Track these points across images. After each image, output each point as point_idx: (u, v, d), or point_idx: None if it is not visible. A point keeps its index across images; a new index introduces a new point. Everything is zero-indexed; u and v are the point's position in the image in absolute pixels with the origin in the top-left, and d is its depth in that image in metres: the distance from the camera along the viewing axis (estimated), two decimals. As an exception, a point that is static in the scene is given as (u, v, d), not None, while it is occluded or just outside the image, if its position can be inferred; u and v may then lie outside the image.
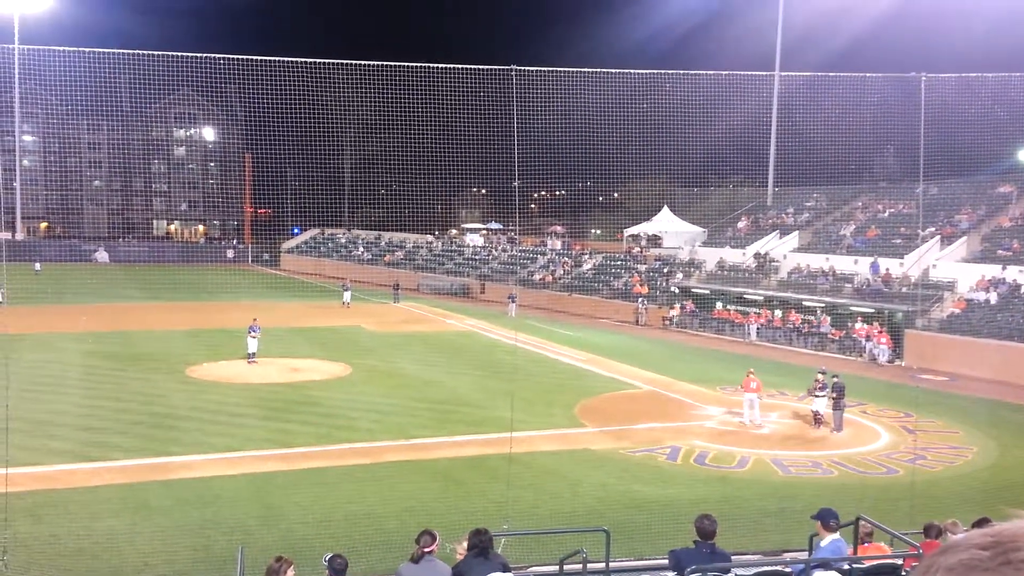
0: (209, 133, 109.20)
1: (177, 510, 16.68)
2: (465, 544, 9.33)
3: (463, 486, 18.94)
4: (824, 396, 24.45)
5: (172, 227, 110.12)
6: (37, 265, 69.85)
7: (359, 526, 15.82)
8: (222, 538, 15.08)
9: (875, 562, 9.65)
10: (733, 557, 10.37)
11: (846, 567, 9.26)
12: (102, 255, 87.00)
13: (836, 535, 9.63)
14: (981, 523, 10.59)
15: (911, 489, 17.14)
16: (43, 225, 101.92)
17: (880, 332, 38.35)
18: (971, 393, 30.93)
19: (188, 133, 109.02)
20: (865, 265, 43.58)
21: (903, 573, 9.24)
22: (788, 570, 9.20)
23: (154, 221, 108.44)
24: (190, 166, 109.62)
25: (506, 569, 9.52)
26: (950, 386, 32.27)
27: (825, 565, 9.13)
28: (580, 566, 10.37)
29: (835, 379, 24.50)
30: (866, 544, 10.64)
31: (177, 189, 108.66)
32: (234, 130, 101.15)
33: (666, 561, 9.89)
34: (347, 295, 53.23)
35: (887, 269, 42.19)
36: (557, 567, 10.88)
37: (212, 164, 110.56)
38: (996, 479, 20.29)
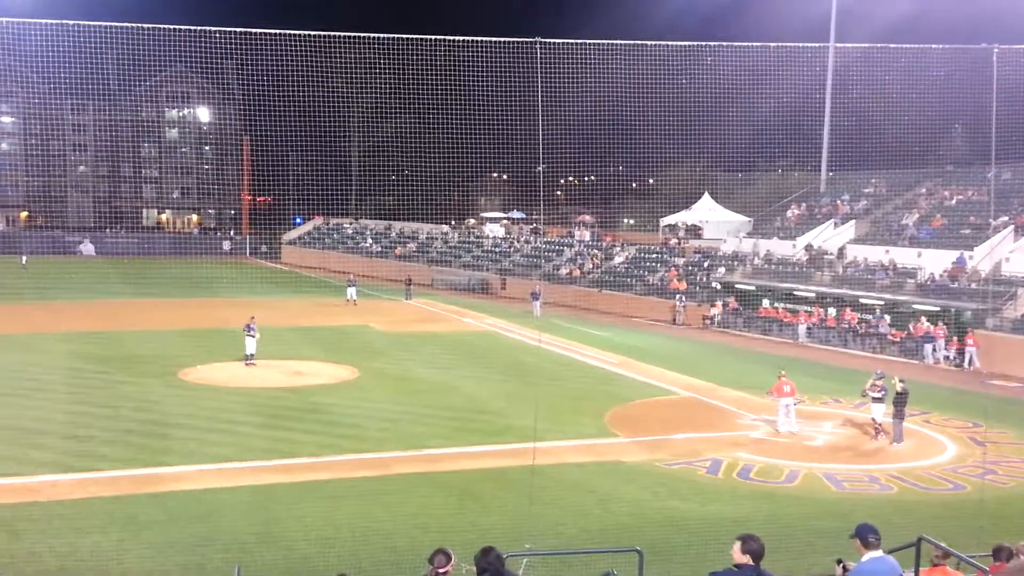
0: (204, 114, 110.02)
1: (169, 526, 16.83)
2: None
3: (481, 501, 18.98)
4: (883, 402, 24.30)
5: (163, 217, 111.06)
6: (23, 258, 70.82)
7: (367, 544, 15.89)
8: (217, 556, 15.20)
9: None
10: (780, 581, 10.33)
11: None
12: (88, 247, 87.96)
13: (878, 552, 9.56)
14: (999, 552, 10.45)
15: (980, 507, 16.98)
16: (23, 215, 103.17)
17: (967, 334, 37.41)
18: (1048, 401, 30.61)
19: (181, 114, 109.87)
20: (930, 258, 43.19)
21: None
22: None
23: (144, 210, 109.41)
24: (183, 150, 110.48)
25: (527, 592, 9.54)
26: (1023, 393, 31.96)
27: None
28: (610, 589, 10.37)
29: (901, 384, 24.32)
30: (937, 566, 10.54)
31: (169, 175, 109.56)
32: (231, 110, 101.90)
33: (705, 585, 9.87)
34: (352, 291, 53.48)
35: (953, 262, 41.80)
36: (585, 590, 10.89)
37: (207, 148, 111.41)
38: (1076, 497, 20.05)
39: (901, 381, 24.59)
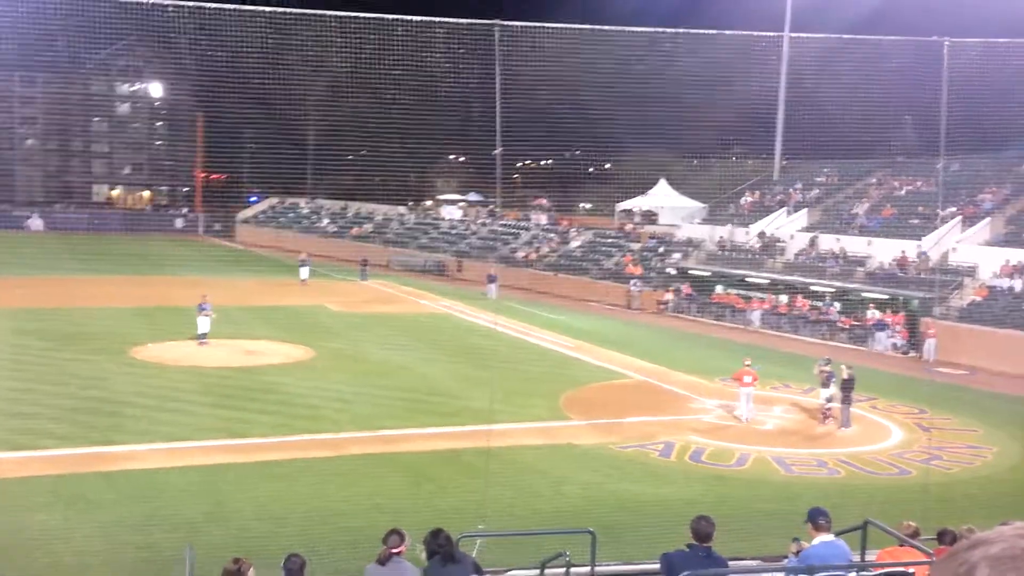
0: (156, 88, 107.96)
1: (118, 505, 16.63)
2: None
3: (436, 482, 19.00)
4: (830, 388, 24.70)
5: (114, 192, 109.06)
6: None
7: (321, 524, 15.84)
8: (168, 536, 15.05)
9: (884, 570, 9.76)
10: (730, 563, 10.47)
11: (852, 574, 9.35)
12: (36, 222, 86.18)
13: (829, 536, 9.73)
14: (943, 536, 10.69)
15: (924, 491, 17.33)
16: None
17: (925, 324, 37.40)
18: (992, 388, 31.28)
19: (133, 88, 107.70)
20: (880, 247, 43.82)
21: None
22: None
23: (94, 185, 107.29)
24: (135, 125, 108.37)
25: (479, 572, 9.56)
26: (969, 380, 32.61)
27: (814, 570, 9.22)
28: (563, 570, 10.42)
29: (848, 370, 24.69)
30: (903, 545, 10.69)
31: (120, 150, 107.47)
32: (185, 86, 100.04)
33: (656, 565, 9.96)
34: (304, 271, 52.88)
35: (903, 252, 42.50)
36: (538, 571, 10.94)
37: (159, 123, 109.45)
38: (1018, 482, 20.56)
39: (848, 367, 24.99)
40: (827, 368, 25.08)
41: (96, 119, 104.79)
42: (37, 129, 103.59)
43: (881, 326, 38.89)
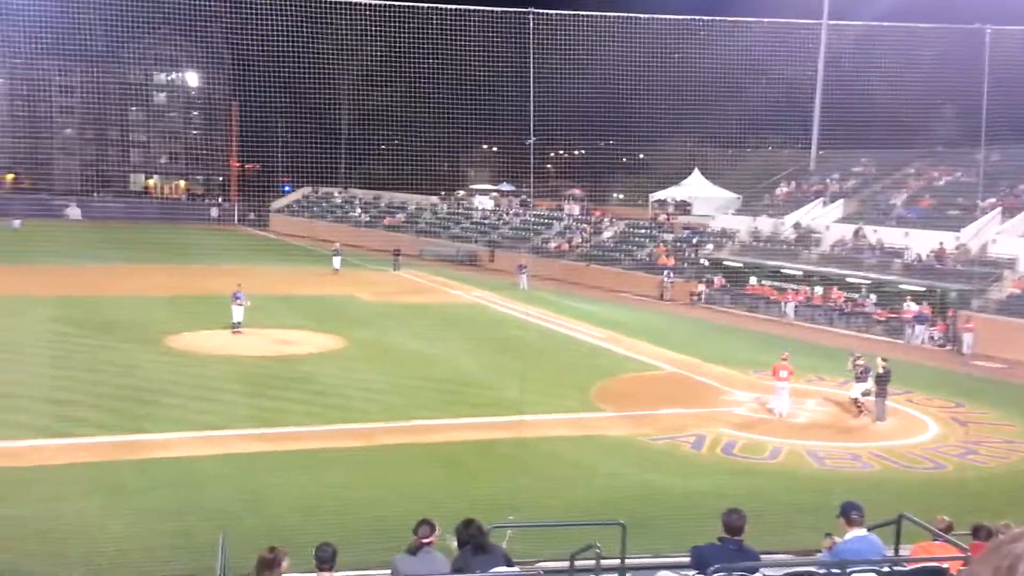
0: (192, 78, 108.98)
1: (153, 492, 16.85)
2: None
3: (467, 472, 19.07)
4: (865, 381, 24.47)
5: (151, 182, 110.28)
6: (16, 222, 70.27)
7: (352, 514, 15.95)
8: (202, 524, 15.22)
9: (917, 564, 9.67)
10: (762, 556, 10.42)
11: (886, 569, 9.28)
12: (74, 211, 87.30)
13: (862, 530, 9.67)
14: (978, 531, 10.58)
15: (960, 486, 17.16)
16: (9, 177, 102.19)
17: (963, 317, 36.94)
18: (1030, 383, 30.87)
19: (169, 78, 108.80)
20: (917, 238, 43.28)
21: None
22: (821, 571, 9.24)
23: (131, 175, 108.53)
24: (171, 114, 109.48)
25: (509, 563, 9.59)
26: (1007, 374, 32.20)
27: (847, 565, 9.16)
28: (593, 562, 10.43)
29: (884, 363, 24.45)
30: (937, 540, 10.61)
31: (156, 140, 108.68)
32: (220, 75, 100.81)
33: (687, 558, 9.94)
34: (337, 260, 53.38)
35: (940, 243, 41.95)
36: (568, 563, 10.95)
37: (195, 112, 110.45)
38: (1055, 478, 20.27)
39: (884, 360, 24.73)
40: (862, 362, 24.84)
41: (133, 108, 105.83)
42: (75, 119, 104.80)
43: (921, 319, 38.40)
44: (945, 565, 9.66)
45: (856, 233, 45.85)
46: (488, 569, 9.11)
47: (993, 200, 44.26)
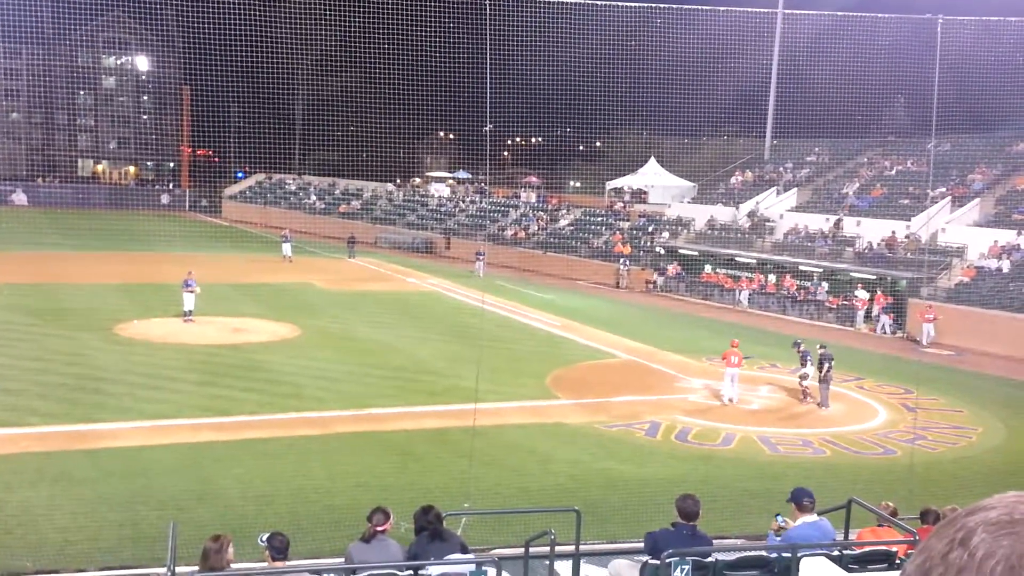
0: (143, 62, 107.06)
1: (102, 482, 16.60)
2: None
3: (421, 461, 19.03)
4: (807, 367, 24.83)
5: (99, 167, 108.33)
6: None
7: (305, 503, 15.87)
8: (152, 514, 15.06)
9: (867, 548, 9.84)
10: (715, 541, 10.54)
11: (835, 553, 9.43)
12: (20, 197, 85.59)
13: (812, 516, 9.82)
14: (926, 515, 10.83)
15: (909, 471, 17.47)
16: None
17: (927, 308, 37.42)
18: (978, 369, 31.49)
19: (119, 61, 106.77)
20: (869, 227, 43.90)
21: (899, 560, 9.43)
22: (772, 555, 9.36)
23: (79, 160, 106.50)
24: (121, 99, 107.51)
25: (465, 550, 9.60)
26: (955, 361, 32.81)
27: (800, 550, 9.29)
28: (547, 548, 10.47)
29: (822, 350, 24.78)
30: (882, 526, 10.81)
31: (105, 125, 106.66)
32: (172, 59, 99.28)
33: (641, 544, 10.03)
34: (287, 247, 52.61)
35: (892, 232, 42.61)
36: (522, 549, 10.98)
37: (146, 97, 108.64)
38: (1002, 463, 20.72)
39: (822, 347, 25.06)
40: (803, 347, 25.19)
41: (82, 92, 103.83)
42: (21, 102, 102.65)
43: (886, 309, 38.58)
44: (894, 549, 9.84)
45: (836, 224, 45.77)
46: (444, 556, 9.11)
47: (943, 189, 45.02)
